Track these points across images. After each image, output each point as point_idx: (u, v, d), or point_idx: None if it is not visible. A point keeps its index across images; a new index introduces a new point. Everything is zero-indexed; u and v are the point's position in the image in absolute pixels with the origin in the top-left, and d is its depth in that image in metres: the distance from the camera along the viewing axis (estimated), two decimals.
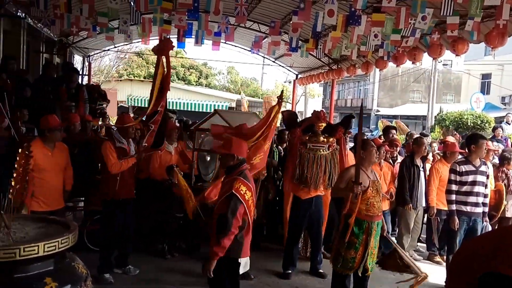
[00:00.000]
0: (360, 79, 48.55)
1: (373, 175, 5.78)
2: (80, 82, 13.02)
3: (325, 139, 6.92)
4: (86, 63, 20.63)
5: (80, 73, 16.28)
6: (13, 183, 3.24)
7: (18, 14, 11.07)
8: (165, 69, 6.68)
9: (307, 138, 6.89)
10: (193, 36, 12.62)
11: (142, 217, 7.24)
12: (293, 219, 7.11)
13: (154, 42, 15.77)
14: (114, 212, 6.35)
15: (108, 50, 21.16)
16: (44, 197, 5.86)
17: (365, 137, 8.03)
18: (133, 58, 37.25)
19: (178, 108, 26.09)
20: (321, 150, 6.87)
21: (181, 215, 7.43)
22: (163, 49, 6.53)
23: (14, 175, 3.23)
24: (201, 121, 8.57)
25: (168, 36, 12.74)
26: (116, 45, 19.96)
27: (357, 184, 5.45)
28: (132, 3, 9.09)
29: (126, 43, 18.98)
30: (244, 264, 4.68)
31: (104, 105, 11.52)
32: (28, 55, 13.56)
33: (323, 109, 8.17)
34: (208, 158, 8.35)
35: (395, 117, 36.33)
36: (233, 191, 4.32)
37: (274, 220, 8.48)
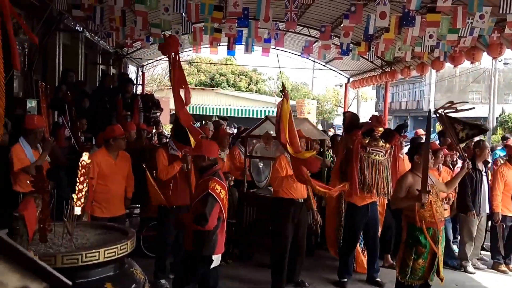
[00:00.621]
0: (415, 80, 47.18)
1: (430, 179, 5.60)
2: (134, 91, 13.34)
3: (384, 144, 6.78)
4: (140, 73, 21.22)
5: (135, 82, 16.71)
6: (75, 191, 3.34)
7: (76, 28, 11.52)
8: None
9: (366, 142, 6.78)
10: (243, 43, 12.73)
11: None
12: (349, 227, 6.99)
13: (205, 50, 16.02)
14: (169, 219, 6.33)
15: (161, 59, 21.51)
16: (107, 203, 6.04)
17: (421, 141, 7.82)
18: (184, 66, 37.83)
19: (229, 115, 26.31)
20: (379, 155, 6.73)
21: (233, 221, 7.44)
22: (169, 45, 6.20)
23: (77, 183, 3.33)
24: (252, 128, 8.57)
25: (219, 44, 12.97)
26: None
27: (425, 192, 5.17)
28: (183, 13, 9.27)
29: (179, 52, 19.31)
30: (216, 260, 4.80)
31: (158, 114, 11.76)
32: (85, 67, 14.09)
33: (381, 115, 8.03)
34: (261, 165, 8.33)
35: None
36: (209, 190, 4.46)
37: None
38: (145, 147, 8.36)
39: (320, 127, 34.64)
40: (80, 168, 3.37)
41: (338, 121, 36.66)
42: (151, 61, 22.11)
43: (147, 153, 7.83)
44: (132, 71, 21.48)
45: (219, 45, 13.51)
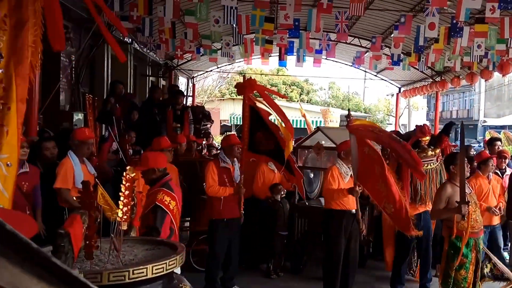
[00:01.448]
0: (465, 89, 46.46)
1: (468, 188, 5.59)
2: (185, 103, 13.47)
3: (433, 152, 6.75)
4: (190, 84, 21.25)
5: (185, 94, 16.87)
6: (120, 206, 3.31)
7: (125, 40, 11.56)
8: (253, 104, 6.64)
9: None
10: (294, 54, 12.79)
11: (247, 236, 7.25)
12: (401, 236, 6.96)
13: (256, 61, 16.10)
14: (219, 232, 6.36)
15: (211, 70, 21.66)
16: None
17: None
18: (235, 77, 38.22)
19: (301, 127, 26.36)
20: (431, 164, 6.69)
21: (285, 233, 7.44)
22: (244, 87, 6.50)
23: (121, 198, 3.31)
24: (304, 138, 8.62)
25: (270, 55, 13.10)
26: (219, 66, 20.38)
27: (465, 203, 5.20)
28: (234, 25, 9.35)
29: (228, 63, 19.50)
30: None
31: (208, 125, 11.74)
32: (135, 79, 14.19)
33: (425, 123, 7.97)
34: (312, 175, 8.37)
35: (503, 127, 34.49)
36: (156, 202, 4.37)
37: (381, 237, 8.30)
38: (196, 160, 8.43)
39: None
40: (124, 182, 3.32)
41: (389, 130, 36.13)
42: (201, 72, 22.25)
43: (198, 165, 7.89)
44: (182, 82, 21.65)
45: (271, 56, 13.61)
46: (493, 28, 8.52)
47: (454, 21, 8.66)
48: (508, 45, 9.18)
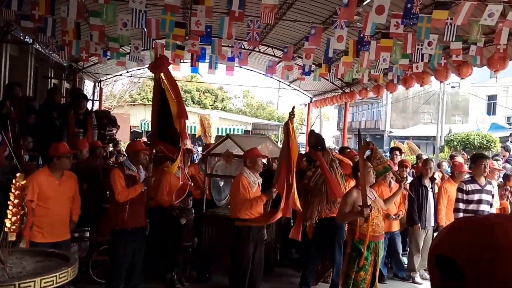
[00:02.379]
0: (373, 101, 48.70)
1: (372, 195, 5.88)
2: (90, 108, 12.88)
3: (310, 172, 7.01)
4: (97, 88, 20.38)
5: (90, 98, 16.15)
6: (8, 215, 3.11)
7: (26, 39, 11.00)
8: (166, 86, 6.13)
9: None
10: (207, 61, 12.70)
11: (151, 245, 7.01)
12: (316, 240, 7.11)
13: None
14: (123, 242, 6.12)
15: (121, 75, 20.92)
16: (49, 227, 5.61)
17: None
18: (147, 82, 37.47)
19: (193, 133, 26.14)
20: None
21: (189, 244, 7.33)
22: (159, 66, 6.13)
23: (10, 207, 3.12)
24: (213, 146, 8.57)
25: (182, 61, 12.93)
26: (129, 70, 19.88)
27: (367, 206, 5.48)
28: (145, 29, 9.10)
29: (139, 67, 19.08)
30: None
31: (114, 131, 11.35)
32: (36, 81, 13.44)
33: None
34: (222, 183, 8.32)
35: (407, 138, 36.43)
36: None
37: (288, 244, 8.40)
38: (99, 166, 8.11)
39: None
40: (13, 190, 3.14)
41: (302, 139, 36.99)
42: (109, 76, 21.46)
43: (101, 173, 7.59)
44: (89, 86, 20.85)
45: (183, 62, 13.44)
46: (397, 43, 8.91)
47: (362, 35, 8.96)
48: (411, 60, 9.66)
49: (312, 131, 7.89)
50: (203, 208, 7.69)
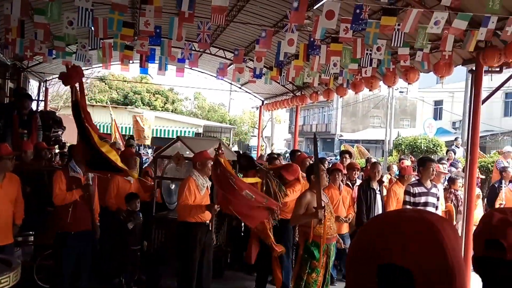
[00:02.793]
0: (324, 105, 49.47)
1: (325, 197, 5.93)
2: (35, 108, 12.49)
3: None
4: (43, 88, 19.71)
5: (35, 98, 15.68)
6: None
7: None
8: (79, 98, 6.05)
9: None
10: (156, 62, 12.49)
11: (99, 249, 6.93)
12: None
13: (115, 67, 15.47)
14: (68, 246, 5.98)
15: None
16: None
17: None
18: (95, 83, 36.70)
19: (131, 133, 25.70)
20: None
21: (137, 247, 7.20)
22: (71, 76, 6.01)
23: None
24: (163, 148, 8.47)
25: (131, 62, 12.69)
26: None
27: (321, 208, 5.52)
28: (92, 27, 8.86)
29: (86, 67, 18.60)
30: None
31: (60, 132, 11.11)
32: None
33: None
34: (173, 186, 8.22)
35: (357, 141, 37.23)
36: None
37: (239, 247, 8.37)
38: (43, 169, 7.87)
39: (236, 148, 35.00)
40: None
41: (254, 142, 37.13)
42: (55, 76, 20.86)
43: (46, 175, 7.36)
44: (34, 86, 20.14)
45: (132, 63, 13.19)
46: (347, 48, 9.02)
47: (312, 39, 9.01)
48: (360, 65, 9.79)
49: (240, 154, 7.91)
50: (153, 211, 7.58)
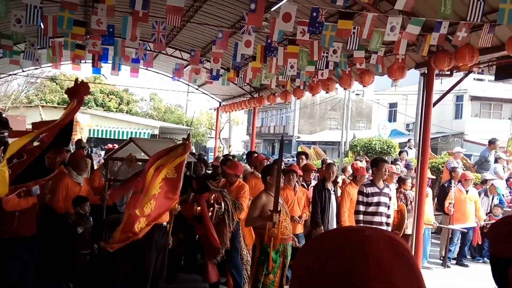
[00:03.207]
0: (282, 107, 49.89)
1: (280, 198, 5.94)
2: None
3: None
4: None
5: None
6: None
7: None
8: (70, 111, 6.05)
9: None
10: (109, 62, 12.24)
11: (45, 254, 6.69)
12: None
13: (66, 67, 15.04)
14: (13, 252, 5.80)
15: (16, 74, 19.73)
16: None
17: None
18: (45, 83, 35.74)
19: (96, 136, 25.29)
20: None
21: (87, 251, 7.00)
22: (78, 92, 5.99)
23: None
24: (115, 150, 8.27)
25: (83, 62, 12.38)
26: (24, 69, 18.91)
27: (277, 212, 5.48)
28: (41, 25, 8.57)
29: (36, 67, 18.09)
30: None
31: (6, 134, 10.72)
32: None
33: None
34: None
35: (314, 143, 37.62)
36: None
37: (193, 249, 8.26)
38: None
39: (193, 149, 34.71)
40: None
41: (211, 143, 36.97)
42: (2, 75, 20.22)
43: None
44: None
45: (84, 62, 12.89)
46: (304, 50, 9.05)
47: (269, 41, 9.00)
48: (317, 67, 9.85)
49: (193, 178, 7.81)
50: (104, 214, 7.41)
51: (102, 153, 19.14)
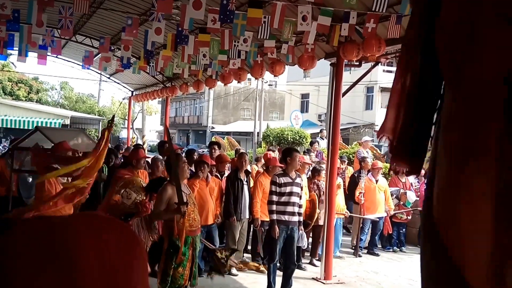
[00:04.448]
0: (196, 97, 49.68)
1: (187, 189, 5.88)
2: None
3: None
4: None
5: None
6: None
7: None
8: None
9: None
10: (16, 48, 11.66)
11: None
12: None
13: None
14: None
15: None
16: None
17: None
18: None
19: (4, 126, 24.07)
20: None
21: None
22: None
23: None
24: (20, 139, 7.93)
25: None
26: None
27: (183, 204, 5.41)
28: None
29: None
30: None
31: None
32: None
33: None
34: (30, 179, 7.75)
35: (228, 133, 37.78)
36: None
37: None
38: None
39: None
40: None
41: (124, 134, 36.14)
42: None
43: None
44: None
45: None
46: (215, 39, 9.03)
47: (180, 29, 8.91)
48: (229, 57, 9.85)
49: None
50: (9, 207, 7.07)
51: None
